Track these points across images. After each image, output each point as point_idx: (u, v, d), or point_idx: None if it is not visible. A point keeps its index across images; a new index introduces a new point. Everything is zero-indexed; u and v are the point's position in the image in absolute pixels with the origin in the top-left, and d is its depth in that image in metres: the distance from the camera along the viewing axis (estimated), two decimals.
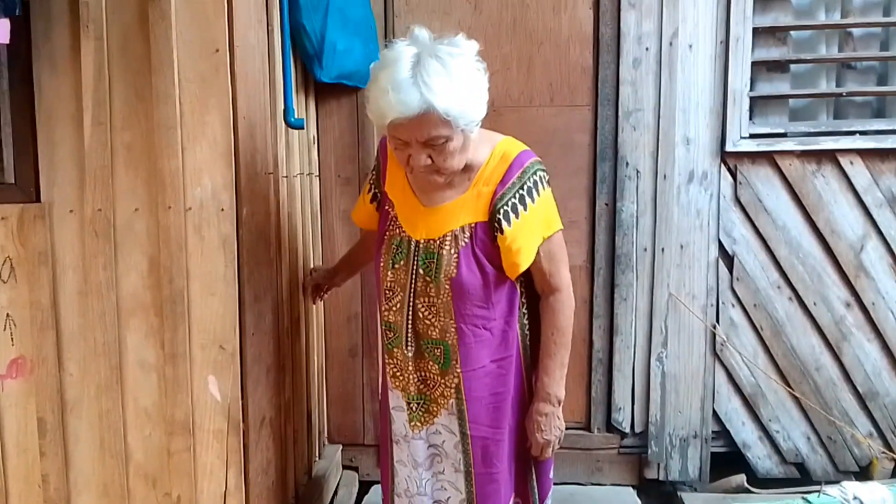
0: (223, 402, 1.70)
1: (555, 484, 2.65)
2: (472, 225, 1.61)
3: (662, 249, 2.59)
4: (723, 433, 2.66)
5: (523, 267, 1.61)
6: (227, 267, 1.68)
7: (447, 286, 1.61)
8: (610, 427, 2.70)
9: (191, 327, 1.69)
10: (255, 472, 1.78)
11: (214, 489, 1.71)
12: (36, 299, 1.71)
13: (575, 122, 2.63)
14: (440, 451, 1.73)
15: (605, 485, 2.71)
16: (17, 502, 1.76)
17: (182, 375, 1.70)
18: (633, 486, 2.71)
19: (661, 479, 2.67)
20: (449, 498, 1.74)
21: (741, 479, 2.54)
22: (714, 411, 2.64)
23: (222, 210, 1.67)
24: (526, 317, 1.72)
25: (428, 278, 1.63)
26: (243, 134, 1.70)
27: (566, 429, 2.81)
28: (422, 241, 1.64)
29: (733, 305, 2.61)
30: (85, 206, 1.69)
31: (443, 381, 1.68)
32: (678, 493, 2.59)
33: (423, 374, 1.70)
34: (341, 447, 2.74)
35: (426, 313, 1.65)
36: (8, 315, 1.72)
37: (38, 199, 1.71)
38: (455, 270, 1.60)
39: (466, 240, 1.61)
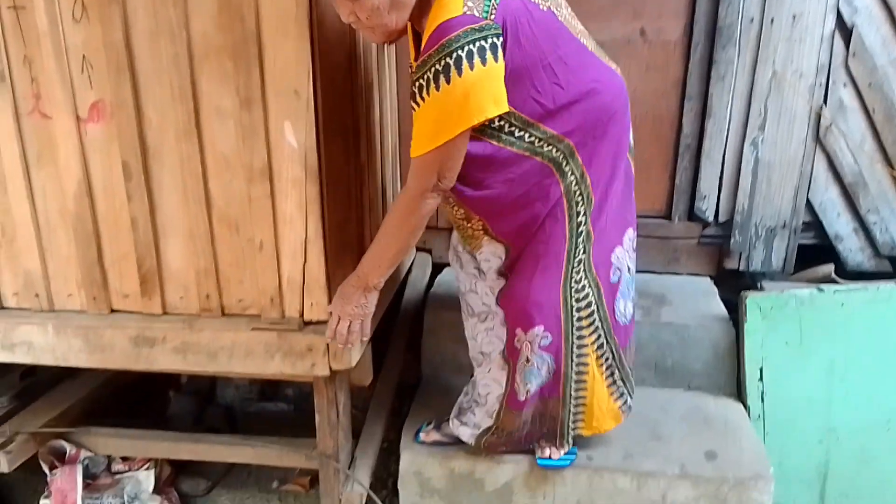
0: (300, 150, 1.67)
1: None
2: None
3: (772, 20, 2.32)
4: (814, 224, 2.53)
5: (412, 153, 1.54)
6: (298, 7, 1.58)
7: None
8: (692, 216, 2.60)
9: (264, 72, 1.63)
10: (331, 225, 1.78)
11: (295, 236, 1.73)
12: (109, 40, 1.66)
13: None
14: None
15: (681, 274, 2.66)
16: (109, 244, 1.83)
17: (258, 122, 1.66)
18: (710, 277, 2.65)
19: (741, 269, 2.59)
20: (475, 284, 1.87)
21: (829, 269, 2.42)
22: (808, 201, 2.49)
23: None
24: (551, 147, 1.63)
25: None
26: None
27: (643, 216, 2.70)
28: None
29: (845, 85, 2.36)
30: None
31: None
32: (757, 283, 2.52)
33: None
34: None
35: None
36: (84, 56, 1.69)
37: None
38: None
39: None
